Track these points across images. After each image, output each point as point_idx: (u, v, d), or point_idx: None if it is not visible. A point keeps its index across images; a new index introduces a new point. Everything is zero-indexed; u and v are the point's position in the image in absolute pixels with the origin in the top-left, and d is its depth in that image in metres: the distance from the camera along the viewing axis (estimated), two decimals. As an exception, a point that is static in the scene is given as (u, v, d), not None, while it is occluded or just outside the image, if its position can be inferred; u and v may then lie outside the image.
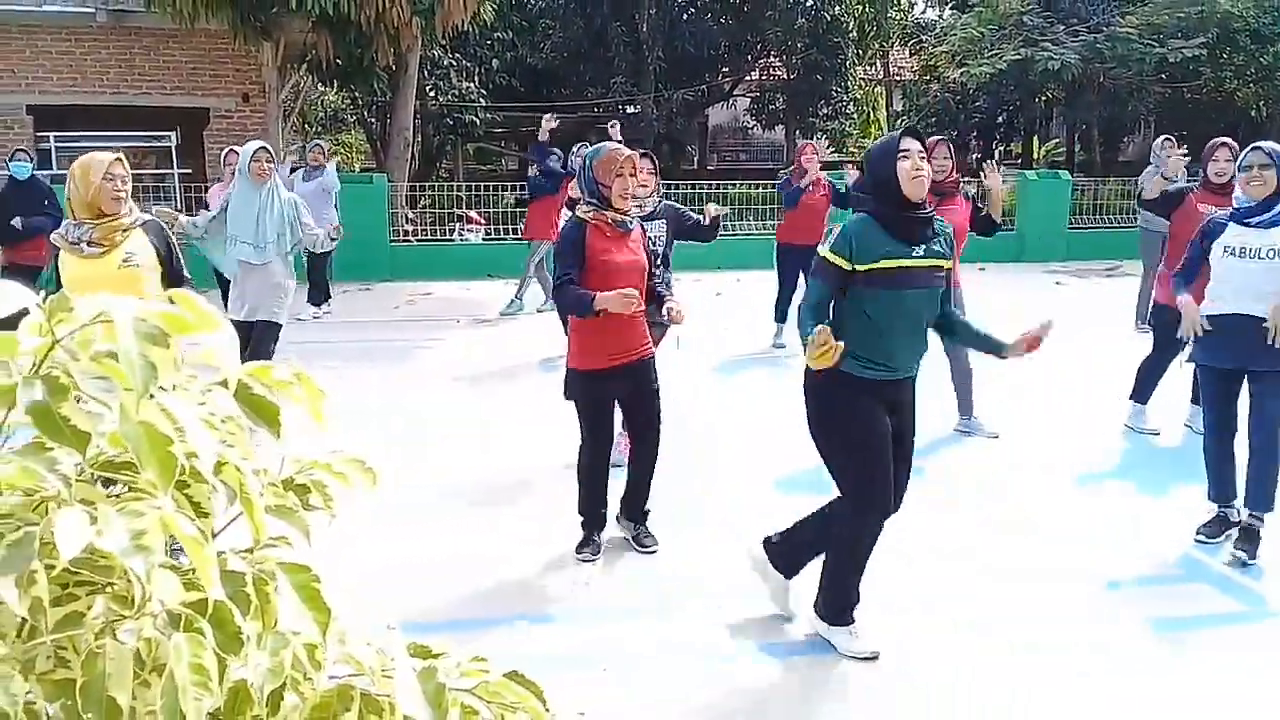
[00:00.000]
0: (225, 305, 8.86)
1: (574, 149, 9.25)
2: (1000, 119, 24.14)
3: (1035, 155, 28.52)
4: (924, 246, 3.64)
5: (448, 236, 16.23)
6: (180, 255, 4.47)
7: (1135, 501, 5.53)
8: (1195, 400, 6.53)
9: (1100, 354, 8.68)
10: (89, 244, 4.17)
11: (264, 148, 6.36)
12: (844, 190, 9.16)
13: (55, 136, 14.84)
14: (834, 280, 3.64)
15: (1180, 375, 6.55)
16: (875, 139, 27.45)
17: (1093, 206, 17.27)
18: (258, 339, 6.36)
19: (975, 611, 4.18)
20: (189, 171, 14.93)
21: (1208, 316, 4.78)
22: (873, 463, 3.68)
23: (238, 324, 6.29)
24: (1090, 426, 6.81)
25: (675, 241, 6.19)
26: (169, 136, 15.34)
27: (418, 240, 15.71)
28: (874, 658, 3.77)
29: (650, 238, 6.16)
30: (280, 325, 6.45)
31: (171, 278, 4.38)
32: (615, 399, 4.73)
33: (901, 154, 3.56)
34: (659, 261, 6.18)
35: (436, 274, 14.36)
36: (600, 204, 4.46)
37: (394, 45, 13.85)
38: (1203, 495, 4.99)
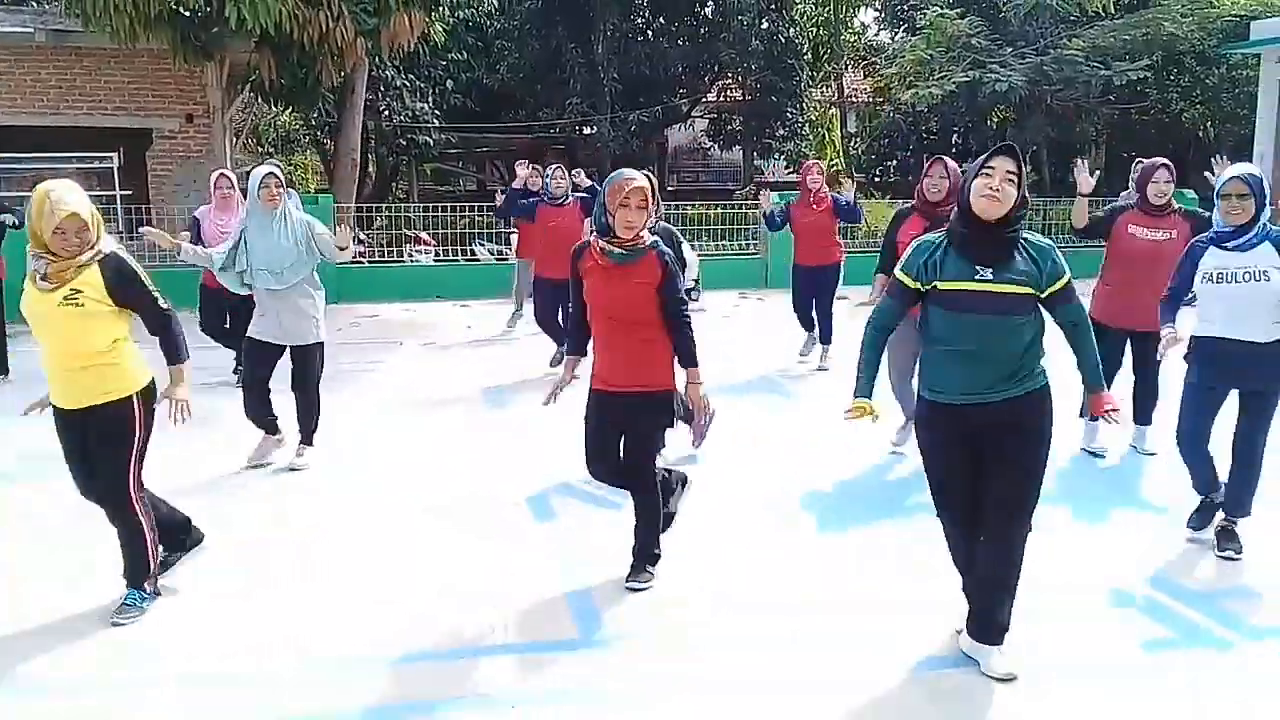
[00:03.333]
0: (201, 326, 8.75)
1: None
2: (952, 140, 24.33)
3: (989, 176, 28.68)
4: (994, 270, 3.49)
5: (401, 258, 16.09)
6: (149, 288, 4.21)
7: (1072, 525, 5.47)
8: (1139, 420, 6.53)
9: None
10: (42, 278, 4.06)
11: (273, 173, 6.24)
12: (845, 205, 9.20)
13: (-7, 157, 14.56)
14: (901, 299, 3.69)
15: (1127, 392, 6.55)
16: (831, 160, 27.72)
17: (1043, 227, 17.38)
18: (301, 363, 6.40)
19: (905, 639, 4.10)
20: (130, 193, 14.69)
21: (1199, 339, 4.83)
22: (930, 480, 3.88)
23: (267, 345, 6.32)
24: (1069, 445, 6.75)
25: None
26: (111, 158, 15.09)
27: (369, 261, 15.55)
28: (1010, 678, 3.71)
29: None
30: (321, 343, 6.43)
31: (144, 315, 4.23)
32: (611, 427, 4.60)
33: (985, 170, 3.46)
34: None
35: (385, 295, 14.22)
36: (604, 231, 4.36)
37: (338, 66, 13.70)
38: (1137, 517, 4.98)
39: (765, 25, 25.50)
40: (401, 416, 7.87)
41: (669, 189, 31.62)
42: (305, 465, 6.46)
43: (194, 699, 3.71)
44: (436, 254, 16.06)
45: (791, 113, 26.75)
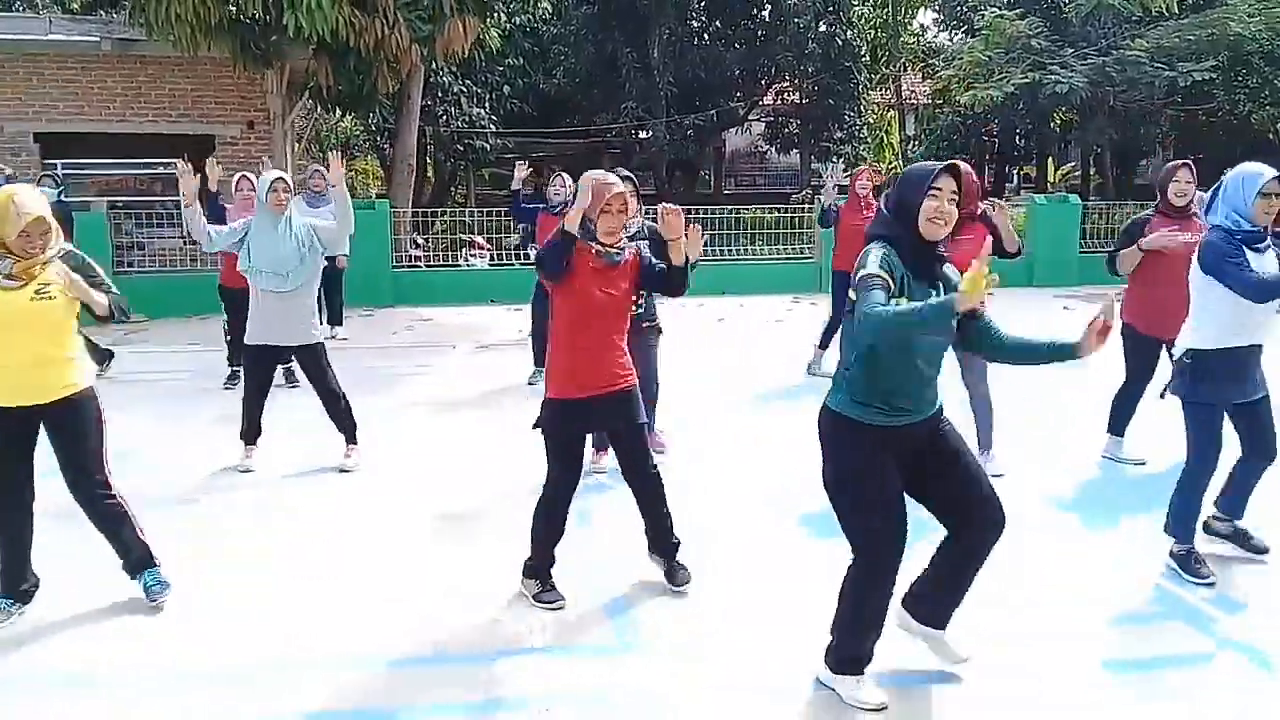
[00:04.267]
0: (228, 327, 8.99)
1: (552, 181, 9.16)
2: (1014, 142, 24.00)
3: (1051, 179, 28.34)
4: (936, 290, 3.42)
5: (457, 262, 16.25)
6: (104, 277, 4.41)
7: (1108, 535, 5.37)
8: (1112, 430, 6.53)
9: (1102, 381, 8.53)
10: (6, 277, 4.12)
11: (280, 178, 6.37)
12: None
13: (62, 164, 14.92)
14: (887, 290, 3.32)
15: (1158, 401, 6.41)
16: (890, 163, 27.49)
17: (1106, 230, 17.08)
18: (313, 362, 6.56)
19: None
20: (193, 198, 14.99)
21: (1214, 351, 4.60)
22: (877, 520, 3.54)
23: (266, 349, 6.46)
24: (1073, 457, 6.66)
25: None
26: (175, 164, 15.37)
27: (426, 266, 15.73)
28: (882, 708, 3.60)
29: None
30: (323, 342, 6.61)
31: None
32: (586, 433, 4.58)
33: (932, 191, 3.36)
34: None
35: (440, 300, 14.35)
36: (589, 236, 4.34)
37: (394, 72, 13.86)
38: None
39: (822, 28, 25.37)
40: (448, 418, 7.94)
41: (726, 193, 31.57)
42: (356, 466, 6.56)
43: (208, 696, 3.77)
44: (491, 258, 16.19)
45: (849, 116, 26.59)
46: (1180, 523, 4.78)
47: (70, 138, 14.78)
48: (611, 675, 3.91)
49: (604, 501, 5.84)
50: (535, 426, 4.53)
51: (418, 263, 15.84)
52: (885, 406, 3.48)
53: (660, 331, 6.57)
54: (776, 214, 17.69)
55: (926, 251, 3.43)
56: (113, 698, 3.77)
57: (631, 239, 6.01)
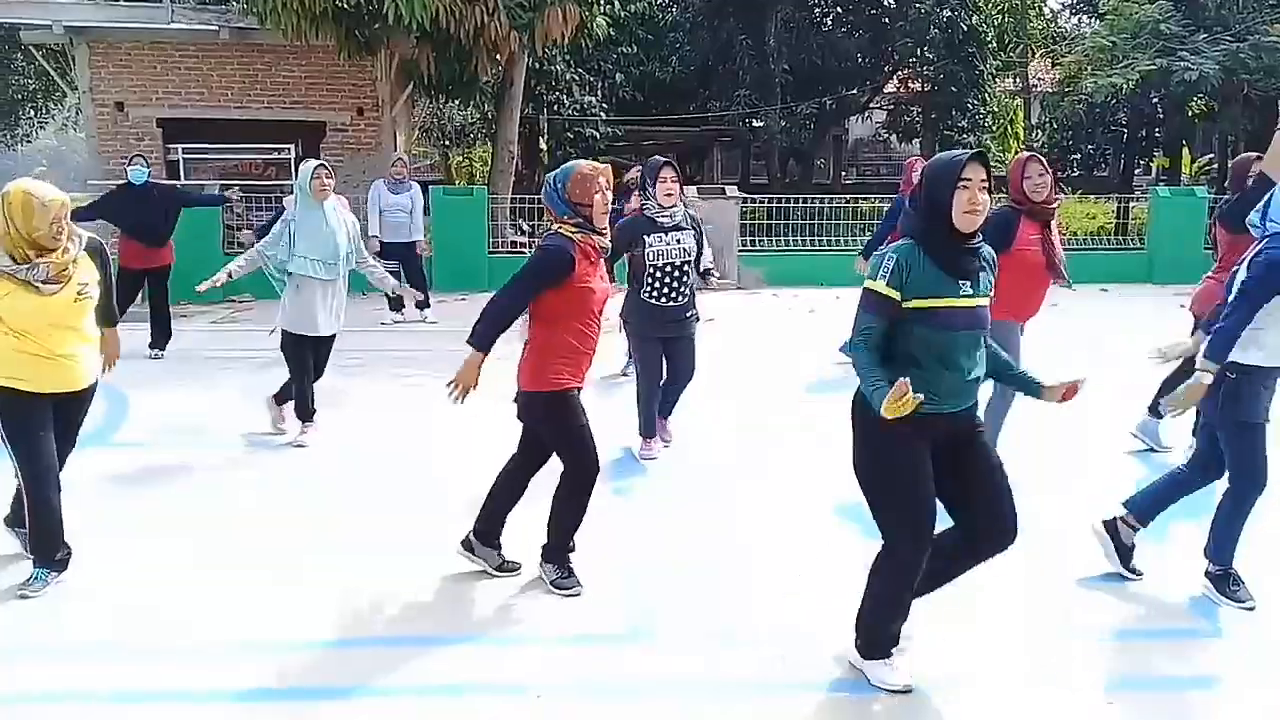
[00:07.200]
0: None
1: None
2: (1140, 134, 22.95)
3: (1187, 171, 26.97)
4: (970, 283, 3.37)
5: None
6: (109, 270, 4.54)
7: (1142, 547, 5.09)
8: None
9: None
10: (46, 282, 4.18)
11: (322, 165, 6.48)
12: None
13: (183, 149, 15.55)
14: (886, 314, 3.36)
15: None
16: (1014, 153, 26.62)
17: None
18: (329, 349, 6.73)
19: (956, 656, 3.90)
20: (303, 182, 15.45)
21: (1265, 368, 4.25)
22: (906, 503, 3.51)
23: (307, 339, 6.49)
24: (1112, 466, 6.35)
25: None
26: (288, 149, 15.88)
27: (529, 252, 15.83)
28: (906, 691, 3.61)
29: (681, 248, 6.07)
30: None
31: (107, 311, 4.57)
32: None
33: (962, 183, 3.29)
34: (686, 268, 6.06)
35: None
36: (584, 225, 4.30)
37: (494, 60, 13.98)
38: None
39: (946, 14, 24.65)
40: (481, 401, 7.97)
41: (846, 182, 31.03)
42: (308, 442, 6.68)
43: (198, 677, 3.86)
44: (590, 245, 16.22)
45: (973, 104, 25.79)
46: (1220, 546, 4.46)
47: (191, 123, 15.38)
48: (610, 665, 3.89)
49: (619, 499, 5.82)
50: (546, 423, 4.52)
51: (521, 249, 15.98)
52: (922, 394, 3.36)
53: (698, 320, 6.51)
54: (879, 204, 17.28)
55: (959, 245, 3.35)
56: (111, 676, 3.88)
57: (675, 229, 5.99)
